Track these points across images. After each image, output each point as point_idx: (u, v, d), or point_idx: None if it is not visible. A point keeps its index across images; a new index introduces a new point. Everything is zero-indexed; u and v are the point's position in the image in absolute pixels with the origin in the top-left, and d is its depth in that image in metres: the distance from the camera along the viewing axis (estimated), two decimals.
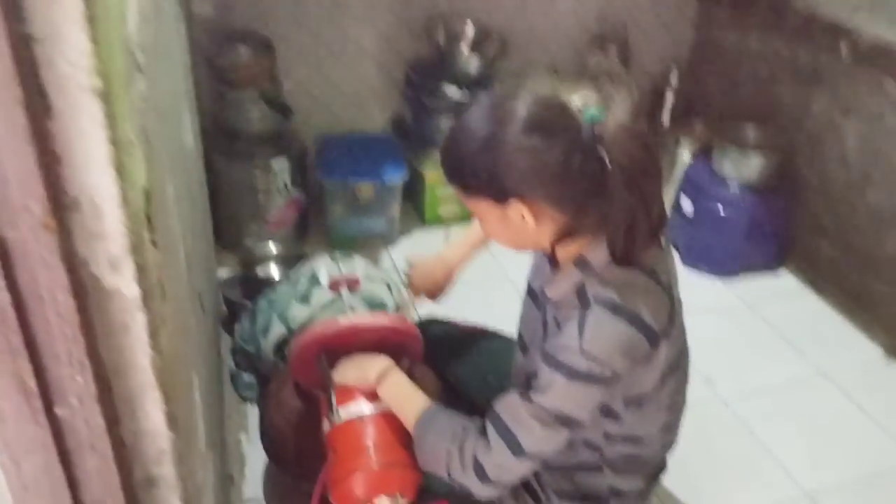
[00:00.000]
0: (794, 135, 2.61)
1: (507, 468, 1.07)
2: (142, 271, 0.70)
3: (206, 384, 1.33)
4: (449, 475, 1.12)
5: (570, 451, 1.18)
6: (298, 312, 1.82)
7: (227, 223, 2.55)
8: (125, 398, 0.74)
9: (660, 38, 3.10)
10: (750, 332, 2.40)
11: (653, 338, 1.03)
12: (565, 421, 1.03)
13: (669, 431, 1.27)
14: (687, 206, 2.64)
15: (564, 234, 1.06)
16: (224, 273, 2.36)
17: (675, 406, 1.22)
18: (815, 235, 2.61)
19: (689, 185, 2.65)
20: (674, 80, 3.01)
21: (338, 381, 1.30)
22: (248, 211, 2.49)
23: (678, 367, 1.14)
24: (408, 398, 1.22)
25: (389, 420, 1.27)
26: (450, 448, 1.11)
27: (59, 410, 0.70)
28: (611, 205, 1.00)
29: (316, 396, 1.39)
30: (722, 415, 2.06)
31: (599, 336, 1.00)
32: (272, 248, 2.27)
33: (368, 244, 2.67)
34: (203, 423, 1.13)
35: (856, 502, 1.81)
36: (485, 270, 2.45)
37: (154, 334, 0.74)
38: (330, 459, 1.26)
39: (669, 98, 3.03)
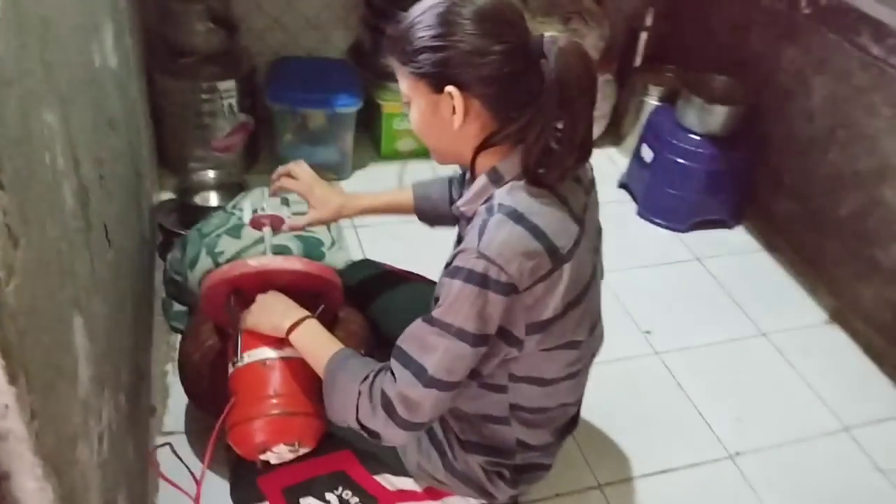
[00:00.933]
0: (764, 87, 2.53)
1: (415, 400, 1.04)
2: None
3: (109, 321, 1.28)
4: (360, 423, 1.09)
5: (476, 397, 1.16)
6: (227, 246, 1.76)
7: (172, 146, 2.46)
8: None
9: None
10: (696, 287, 2.38)
11: (554, 254, 1.00)
12: (465, 336, 1.00)
13: (576, 379, 1.23)
14: (647, 154, 2.58)
15: (487, 143, 1.05)
16: (165, 198, 2.29)
17: (580, 348, 1.16)
18: (774, 192, 2.57)
19: (651, 133, 2.59)
20: (649, 21, 2.90)
21: (249, 326, 1.26)
22: (192, 134, 2.40)
23: (581, 301, 1.08)
24: (320, 346, 1.19)
25: (294, 367, 1.24)
26: (360, 388, 1.08)
27: None
28: (537, 116, 0.99)
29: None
30: (655, 368, 2.06)
31: (497, 240, 0.98)
32: (211, 174, 2.19)
33: (320, 175, 2.58)
34: (91, 366, 1.08)
35: (776, 466, 1.83)
36: None
37: None
38: (231, 402, 1.24)
39: (643, 40, 2.92)
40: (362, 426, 1.09)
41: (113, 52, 1.61)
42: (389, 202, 1.48)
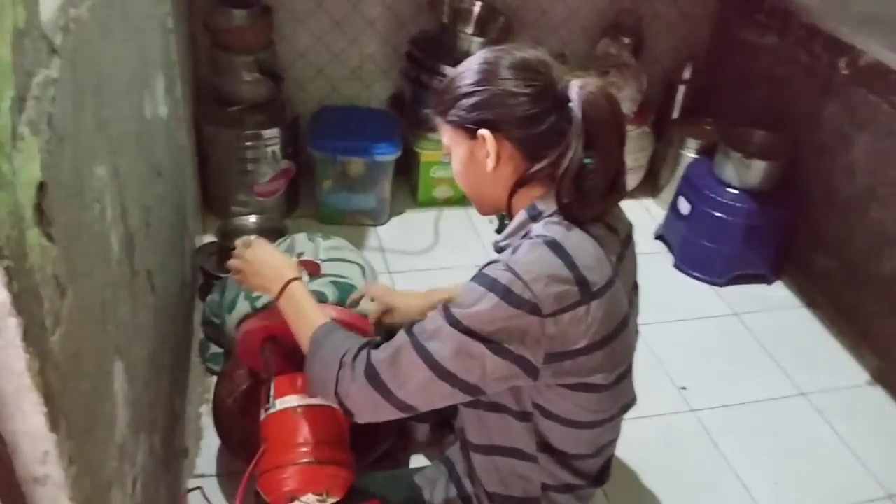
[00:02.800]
0: (803, 142, 2.52)
1: (405, 374, 1.02)
2: (18, 274, 0.67)
3: (148, 365, 1.31)
4: (337, 395, 1.08)
5: (505, 428, 1.15)
6: None
7: (216, 190, 2.53)
8: (1, 399, 0.72)
9: (677, 30, 2.99)
10: (733, 343, 2.34)
11: (584, 286, 1.01)
12: (476, 336, 0.99)
13: (600, 429, 1.19)
14: (684, 206, 2.57)
15: (520, 182, 1.10)
16: (207, 241, 2.34)
17: (601, 393, 1.11)
18: (813, 248, 2.54)
19: (688, 186, 2.58)
20: (687, 74, 2.92)
21: (243, 285, 1.31)
22: (236, 179, 2.47)
23: (607, 344, 1.06)
24: (305, 314, 1.18)
25: (325, 415, 1.25)
26: (343, 360, 1.07)
27: None
28: (566, 153, 1.04)
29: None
30: (690, 425, 2.02)
31: (528, 258, 1.01)
32: (252, 219, 2.24)
33: (357, 220, 2.64)
34: (129, 410, 1.11)
35: None
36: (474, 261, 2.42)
37: (34, 337, 0.71)
38: (262, 448, 1.25)
39: (681, 93, 2.94)
40: (339, 399, 1.08)
41: (164, 102, 1.68)
42: (433, 295, 1.49)
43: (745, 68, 2.83)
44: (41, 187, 0.74)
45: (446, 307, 1.03)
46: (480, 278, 1.02)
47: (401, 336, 1.06)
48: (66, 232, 0.82)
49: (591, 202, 1.06)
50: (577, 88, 1.04)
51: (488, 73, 1.08)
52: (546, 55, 1.11)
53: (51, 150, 0.78)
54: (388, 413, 1.06)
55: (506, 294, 0.98)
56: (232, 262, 1.30)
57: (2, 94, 0.65)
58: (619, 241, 1.14)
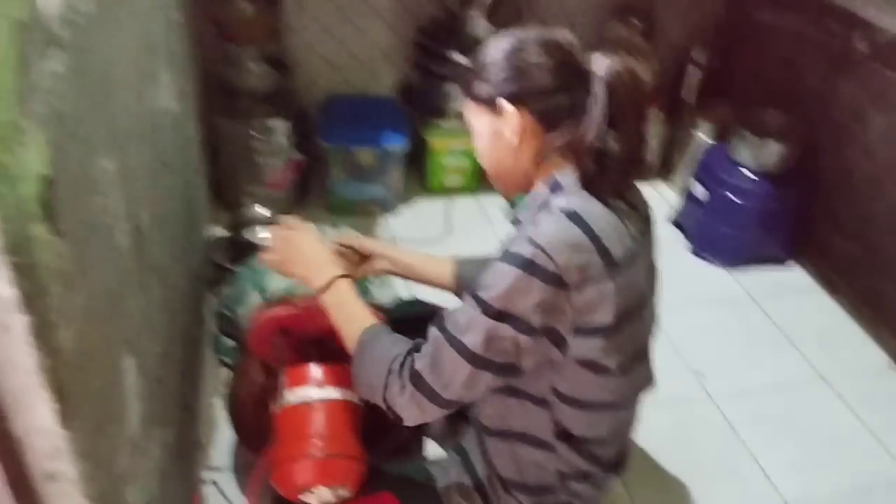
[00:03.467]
0: (819, 122, 2.48)
1: (447, 367, 1.03)
2: (25, 269, 0.67)
3: (161, 360, 1.30)
4: (386, 401, 1.08)
5: (522, 412, 1.14)
6: (276, 284, 1.79)
7: (226, 183, 2.53)
8: (12, 396, 0.72)
9: (689, 11, 2.95)
10: (752, 327, 2.32)
11: (606, 257, 1.00)
12: (505, 318, 0.99)
13: (615, 413, 1.18)
14: (699, 191, 2.54)
15: (542, 155, 1.10)
16: (217, 233, 2.34)
17: (626, 375, 1.12)
18: (831, 230, 2.50)
19: (704, 170, 2.55)
20: (699, 56, 2.87)
21: (273, 267, 1.28)
22: (246, 171, 2.46)
23: (626, 320, 1.06)
24: (352, 313, 1.18)
25: (337, 409, 1.24)
26: (391, 367, 1.08)
27: None
28: (587, 127, 1.04)
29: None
30: (708, 411, 2.00)
31: (549, 231, 1.01)
32: (263, 211, 2.23)
33: (368, 210, 2.63)
34: (141, 405, 1.10)
35: None
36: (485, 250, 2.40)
37: (42, 333, 0.70)
38: (274, 441, 1.24)
39: (693, 75, 2.90)
40: (388, 405, 1.09)
41: (171, 95, 1.66)
42: (426, 258, 1.50)
43: (759, 49, 2.79)
44: (48, 182, 0.73)
45: (475, 294, 1.03)
46: (505, 256, 1.02)
47: (435, 335, 1.05)
48: (74, 227, 0.81)
49: (611, 175, 1.06)
50: (600, 63, 1.05)
51: (514, 48, 1.10)
52: (572, 36, 1.12)
53: (57, 144, 0.77)
54: (435, 413, 1.07)
55: (530, 267, 0.98)
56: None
57: (6, 88, 0.64)
58: (640, 219, 1.14)
